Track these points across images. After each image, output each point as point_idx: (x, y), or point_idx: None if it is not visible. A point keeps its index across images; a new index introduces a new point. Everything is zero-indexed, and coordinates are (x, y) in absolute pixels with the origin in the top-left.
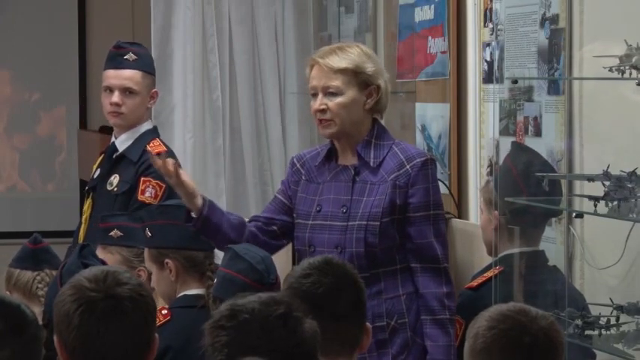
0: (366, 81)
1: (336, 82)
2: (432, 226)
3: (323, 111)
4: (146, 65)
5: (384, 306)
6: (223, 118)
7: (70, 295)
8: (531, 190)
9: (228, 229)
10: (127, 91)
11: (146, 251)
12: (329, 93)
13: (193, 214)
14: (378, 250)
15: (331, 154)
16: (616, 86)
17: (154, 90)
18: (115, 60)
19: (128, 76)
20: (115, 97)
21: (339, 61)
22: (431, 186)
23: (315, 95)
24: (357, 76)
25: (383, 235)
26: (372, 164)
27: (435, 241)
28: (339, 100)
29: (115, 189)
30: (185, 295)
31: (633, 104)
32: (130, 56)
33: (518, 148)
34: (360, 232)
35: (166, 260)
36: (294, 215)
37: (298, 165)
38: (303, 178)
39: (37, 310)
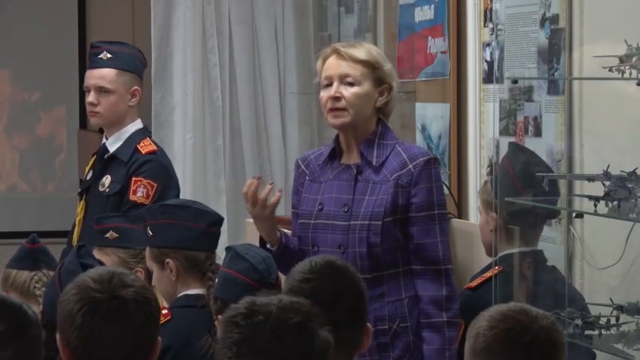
0: (381, 78)
1: (356, 72)
2: (436, 226)
3: (337, 99)
4: (123, 63)
5: (387, 309)
6: (223, 118)
7: (74, 295)
8: (529, 190)
9: (298, 254)
10: (101, 90)
11: (147, 250)
12: (346, 82)
13: (269, 246)
14: (380, 250)
15: (334, 154)
16: (616, 86)
17: (134, 88)
18: (91, 60)
19: (101, 75)
20: (90, 96)
21: (360, 53)
22: (434, 185)
23: (328, 85)
24: (374, 71)
25: (385, 235)
26: (374, 163)
27: (438, 242)
28: (355, 90)
29: (107, 190)
30: (186, 295)
31: (633, 104)
32: (105, 55)
33: (516, 148)
34: (362, 232)
35: (167, 260)
36: (298, 216)
37: (303, 166)
38: (307, 178)
39: (35, 310)
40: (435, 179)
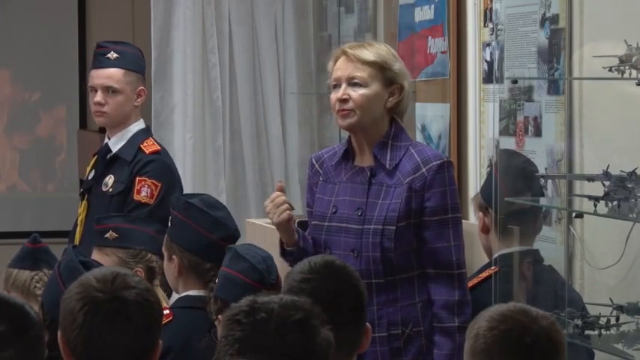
0: (391, 78)
1: (363, 74)
2: (450, 230)
3: (345, 101)
4: (129, 63)
5: (400, 314)
6: (223, 118)
7: (77, 293)
8: (519, 190)
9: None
10: (109, 90)
11: (166, 235)
12: (353, 83)
13: (287, 247)
14: (394, 254)
15: (348, 154)
16: (616, 86)
17: (140, 88)
18: (97, 59)
19: (109, 74)
20: (98, 96)
21: (367, 54)
22: (448, 189)
23: (337, 86)
24: (383, 72)
25: (399, 240)
26: (387, 166)
27: (452, 246)
28: (362, 91)
29: (110, 190)
30: (187, 296)
31: (633, 104)
32: (112, 55)
33: (509, 153)
34: (376, 237)
35: (173, 256)
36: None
37: (317, 166)
38: (321, 179)
39: (37, 310)
40: (448, 183)
